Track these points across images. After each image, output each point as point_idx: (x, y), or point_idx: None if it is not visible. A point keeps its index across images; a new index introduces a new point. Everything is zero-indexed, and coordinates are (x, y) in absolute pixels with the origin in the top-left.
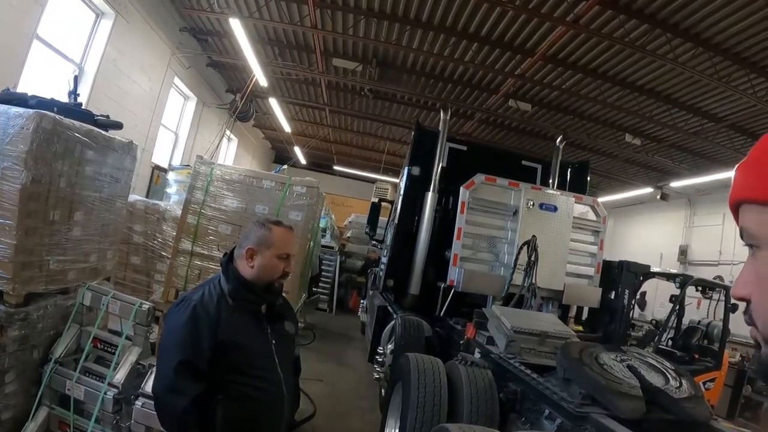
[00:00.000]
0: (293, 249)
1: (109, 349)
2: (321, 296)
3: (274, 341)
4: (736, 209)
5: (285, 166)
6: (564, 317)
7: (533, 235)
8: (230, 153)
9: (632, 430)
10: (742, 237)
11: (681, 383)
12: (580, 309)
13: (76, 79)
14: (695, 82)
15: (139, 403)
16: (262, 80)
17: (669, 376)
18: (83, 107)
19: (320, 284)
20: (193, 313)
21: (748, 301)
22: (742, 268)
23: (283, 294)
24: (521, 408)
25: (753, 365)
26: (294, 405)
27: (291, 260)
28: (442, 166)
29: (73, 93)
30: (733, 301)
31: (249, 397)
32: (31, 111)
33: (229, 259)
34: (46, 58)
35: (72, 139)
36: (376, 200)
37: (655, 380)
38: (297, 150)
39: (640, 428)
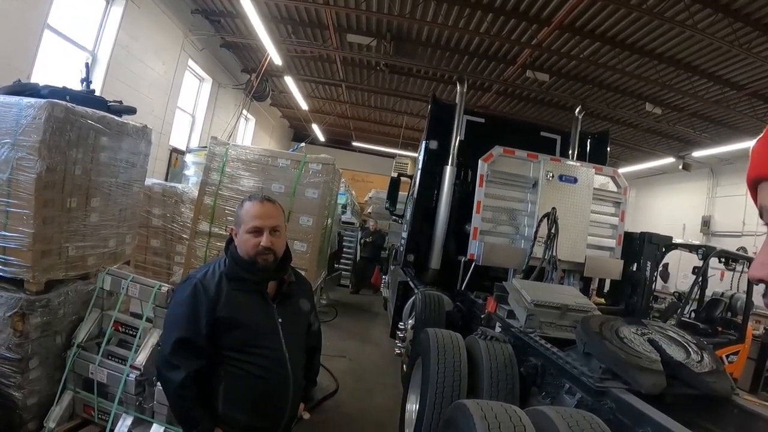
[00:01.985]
0: (266, 221)
1: (131, 332)
2: (343, 272)
3: (280, 319)
4: (754, 187)
5: (303, 144)
6: (586, 290)
7: (553, 207)
8: (248, 133)
9: (653, 404)
10: (761, 216)
11: (702, 357)
12: (602, 281)
13: (87, 66)
14: (715, 49)
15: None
16: (277, 59)
17: (690, 349)
18: (96, 94)
19: (342, 260)
20: (193, 291)
21: (767, 283)
22: (760, 248)
23: (300, 271)
24: (542, 382)
25: None
26: (307, 382)
27: (268, 234)
28: (459, 140)
29: (86, 80)
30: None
31: (251, 375)
32: (42, 101)
33: (230, 240)
34: (59, 47)
35: (85, 127)
36: (396, 175)
37: (677, 354)
38: (315, 127)
39: (661, 403)
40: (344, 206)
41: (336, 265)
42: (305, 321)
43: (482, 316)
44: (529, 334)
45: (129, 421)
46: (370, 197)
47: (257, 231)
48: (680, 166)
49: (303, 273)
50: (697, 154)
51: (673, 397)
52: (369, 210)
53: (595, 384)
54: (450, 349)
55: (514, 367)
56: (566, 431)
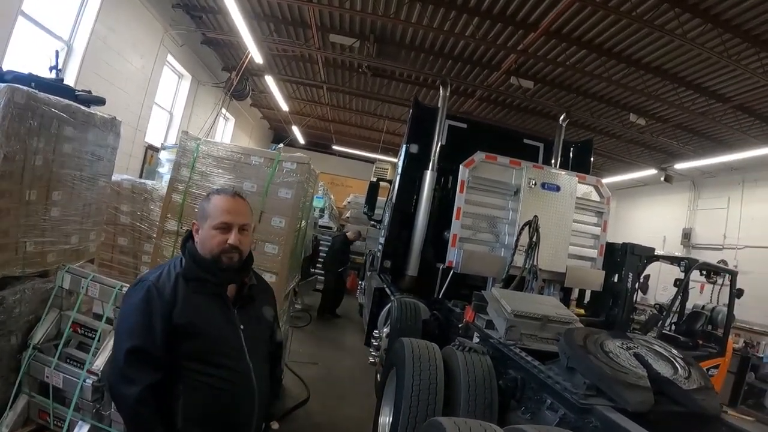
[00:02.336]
0: (237, 218)
1: (90, 335)
2: (318, 277)
3: (242, 326)
4: None
5: (281, 145)
6: (566, 300)
7: (535, 216)
8: (227, 133)
9: (639, 422)
10: None
11: (690, 373)
12: (582, 292)
13: (57, 53)
14: (703, 60)
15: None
16: (258, 57)
17: (677, 365)
18: (66, 83)
19: (317, 265)
20: (146, 295)
21: None
22: None
23: (270, 274)
24: (521, 396)
25: None
26: (270, 397)
27: (237, 232)
28: (441, 144)
29: (55, 68)
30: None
31: (212, 387)
32: (2, 85)
33: (188, 237)
34: (33, 35)
35: (48, 115)
36: (375, 180)
37: (663, 370)
38: (295, 129)
39: (647, 421)
40: (322, 210)
41: (312, 270)
42: (268, 329)
43: (460, 325)
44: (509, 346)
45: (85, 429)
46: (349, 201)
47: (225, 227)
48: (662, 178)
49: (274, 277)
50: (680, 166)
51: (661, 414)
52: (347, 215)
53: (579, 401)
54: (426, 360)
55: (493, 380)
56: None
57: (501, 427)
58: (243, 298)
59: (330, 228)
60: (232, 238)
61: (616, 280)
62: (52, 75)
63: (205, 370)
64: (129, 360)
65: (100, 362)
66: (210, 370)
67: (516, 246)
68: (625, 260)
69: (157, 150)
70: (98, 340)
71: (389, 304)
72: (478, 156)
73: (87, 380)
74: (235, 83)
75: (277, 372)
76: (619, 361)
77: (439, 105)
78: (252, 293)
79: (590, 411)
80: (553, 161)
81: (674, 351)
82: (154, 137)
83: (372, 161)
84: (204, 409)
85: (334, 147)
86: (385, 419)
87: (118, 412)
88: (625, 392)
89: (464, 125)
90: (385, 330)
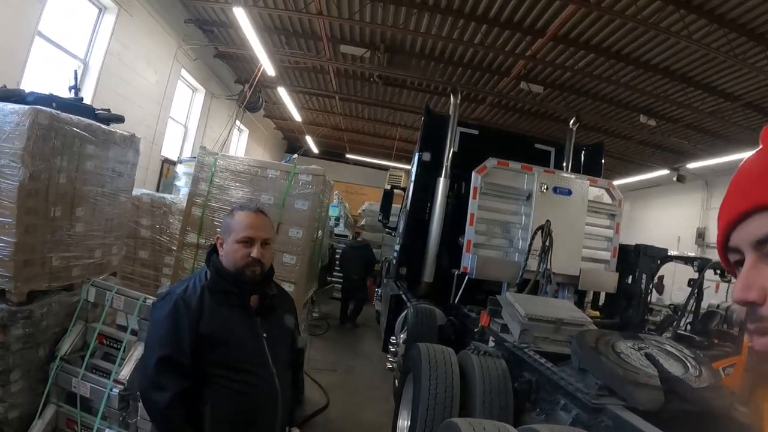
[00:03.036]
0: (259, 232)
1: (115, 345)
2: (336, 285)
3: (264, 334)
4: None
5: (295, 156)
6: (580, 303)
7: (547, 220)
8: (241, 144)
9: (651, 421)
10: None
11: (701, 372)
12: (596, 294)
13: (76, 73)
14: (710, 59)
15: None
16: (270, 70)
17: (688, 364)
18: (85, 102)
19: (334, 274)
20: (174, 307)
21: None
22: (742, 271)
23: (289, 284)
24: (536, 398)
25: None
26: (293, 402)
27: (259, 246)
28: (453, 151)
29: (74, 88)
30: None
31: (237, 393)
32: (26, 107)
33: (213, 250)
34: (50, 54)
35: (70, 134)
36: (389, 187)
37: (674, 369)
38: (309, 139)
39: (659, 419)
40: (337, 219)
41: (329, 278)
42: (289, 336)
43: (475, 330)
44: (523, 349)
45: None
46: (364, 209)
47: (248, 241)
48: (674, 178)
49: (292, 286)
50: (692, 165)
51: (672, 413)
52: (362, 222)
53: (591, 401)
54: (442, 364)
55: (508, 383)
56: None
57: (516, 428)
58: (265, 308)
59: (346, 236)
60: (254, 251)
61: (630, 281)
62: (72, 94)
63: (231, 377)
64: (159, 368)
65: (125, 372)
66: (235, 376)
67: (529, 250)
68: (638, 262)
69: (173, 163)
70: (123, 351)
71: (405, 311)
72: (490, 162)
73: (114, 389)
74: (248, 95)
75: (299, 378)
76: (630, 361)
77: (450, 112)
78: (273, 303)
79: (602, 410)
80: (564, 165)
81: (686, 351)
82: (170, 151)
83: (386, 168)
84: (230, 413)
85: (348, 156)
86: (404, 423)
87: (150, 418)
88: (636, 391)
89: (476, 132)
90: (402, 336)
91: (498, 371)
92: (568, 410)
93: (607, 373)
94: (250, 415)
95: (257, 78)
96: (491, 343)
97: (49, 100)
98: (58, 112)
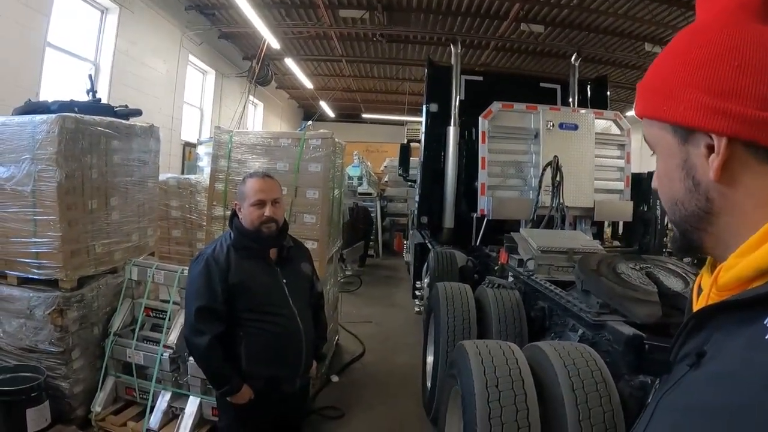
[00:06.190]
0: (268, 194)
1: (161, 316)
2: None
3: (284, 280)
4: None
5: (310, 122)
6: (599, 234)
7: (555, 155)
8: (258, 118)
9: (653, 334)
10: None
11: None
12: (615, 225)
13: (91, 77)
14: None
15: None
16: (274, 43)
17: (689, 279)
18: (102, 102)
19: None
20: (206, 265)
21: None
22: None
23: (312, 241)
24: (550, 324)
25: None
26: (317, 339)
27: (270, 205)
28: (460, 99)
29: (91, 90)
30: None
31: (266, 331)
32: (53, 115)
33: (233, 215)
34: (62, 62)
35: (96, 133)
36: (406, 142)
37: (674, 285)
38: (323, 104)
39: (663, 334)
40: (360, 178)
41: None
42: (308, 281)
43: (496, 268)
44: (536, 279)
45: (168, 396)
46: (386, 166)
47: (261, 203)
48: None
49: (315, 243)
50: None
51: (674, 326)
52: (386, 179)
53: (593, 318)
54: (459, 299)
55: (522, 311)
56: (558, 363)
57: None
58: (283, 258)
59: (370, 194)
60: (267, 211)
61: (645, 209)
62: (90, 97)
63: (259, 318)
64: (198, 316)
65: (173, 337)
66: (263, 317)
67: (540, 187)
68: (652, 189)
69: (194, 146)
70: (169, 320)
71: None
72: (495, 106)
73: (164, 354)
74: (257, 70)
75: (321, 317)
76: (630, 280)
77: (453, 62)
78: (290, 254)
79: (603, 326)
80: (570, 101)
81: (687, 268)
82: (189, 134)
83: (402, 123)
84: (261, 350)
85: (364, 115)
86: (430, 358)
87: (194, 360)
88: (634, 307)
89: (480, 78)
90: (426, 280)
91: (512, 301)
92: (575, 330)
93: (607, 291)
94: (279, 350)
95: (263, 52)
96: (510, 278)
97: (70, 105)
98: (82, 115)
